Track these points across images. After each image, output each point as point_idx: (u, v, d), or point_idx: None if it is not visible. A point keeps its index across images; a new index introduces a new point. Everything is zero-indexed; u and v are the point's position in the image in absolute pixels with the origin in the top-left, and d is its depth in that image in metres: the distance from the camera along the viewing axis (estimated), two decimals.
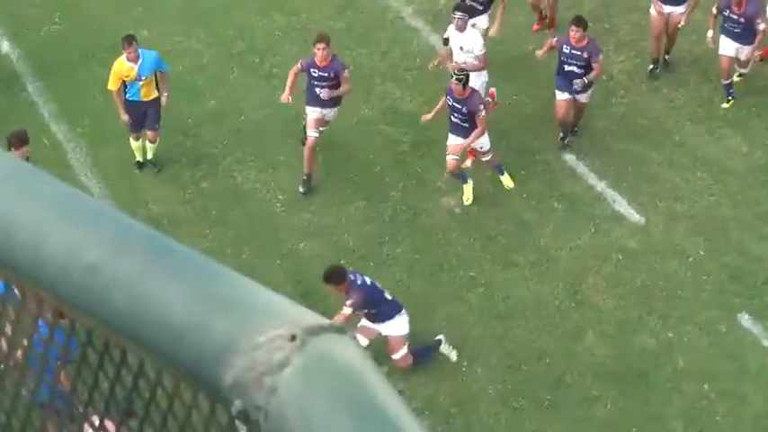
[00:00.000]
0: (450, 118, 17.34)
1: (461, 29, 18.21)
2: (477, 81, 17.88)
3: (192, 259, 1.68)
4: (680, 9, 19.52)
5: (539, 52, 18.67)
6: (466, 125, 17.14)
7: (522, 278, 16.53)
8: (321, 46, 17.65)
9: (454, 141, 17.40)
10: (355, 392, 1.51)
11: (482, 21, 19.28)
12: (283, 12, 21.89)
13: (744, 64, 19.42)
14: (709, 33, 19.12)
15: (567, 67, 18.07)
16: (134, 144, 18.10)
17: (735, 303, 16.23)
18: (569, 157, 18.47)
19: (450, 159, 17.38)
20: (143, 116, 17.83)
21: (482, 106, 17.17)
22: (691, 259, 16.82)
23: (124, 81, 17.63)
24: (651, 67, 19.99)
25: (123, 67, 17.59)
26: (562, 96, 18.27)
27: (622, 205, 17.68)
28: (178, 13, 21.82)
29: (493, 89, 18.72)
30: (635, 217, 17.46)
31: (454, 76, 17.05)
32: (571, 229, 17.30)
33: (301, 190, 17.76)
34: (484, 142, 17.52)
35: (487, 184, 17.96)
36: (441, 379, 15.29)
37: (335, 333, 1.55)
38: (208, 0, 22.20)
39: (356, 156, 18.53)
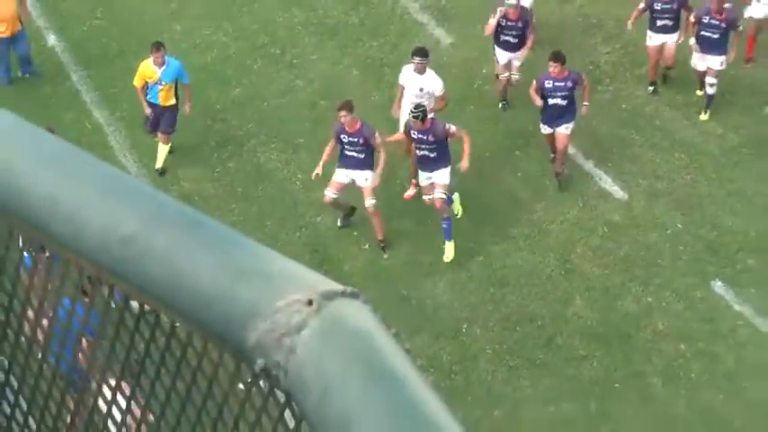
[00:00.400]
0: (417, 154, 16.26)
1: (421, 72, 17.17)
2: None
3: (219, 232, 1.68)
4: (673, 37, 18.78)
5: (532, 92, 17.33)
6: (434, 155, 16.01)
7: (517, 249, 16.52)
8: (342, 114, 16.23)
9: (427, 179, 16.29)
10: (367, 352, 1.50)
11: (517, 57, 18.61)
12: (302, 8, 21.83)
13: (713, 74, 18.50)
14: (692, 40, 18.55)
15: (551, 101, 17.07)
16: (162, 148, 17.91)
17: (709, 271, 16.21)
18: None
19: (438, 197, 16.16)
20: (158, 119, 17.59)
21: (448, 124, 16.08)
22: (669, 232, 16.80)
23: (147, 82, 17.40)
24: (650, 88, 19.25)
25: (148, 68, 17.36)
26: (547, 131, 17.41)
27: (608, 183, 17.65)
28: (207, 9, 21.77)
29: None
30: (619, 194, 17.43)
31: (411, 114, 15.92)
32: (561, 204, 17.28)
33: (339, 224, 16.92)
34: (445, 178, 16.17)
35: (486, 165, 17.92)
36: (443, 339, 15.30)
37: (349, 298, 1.55)
38: None
39: None
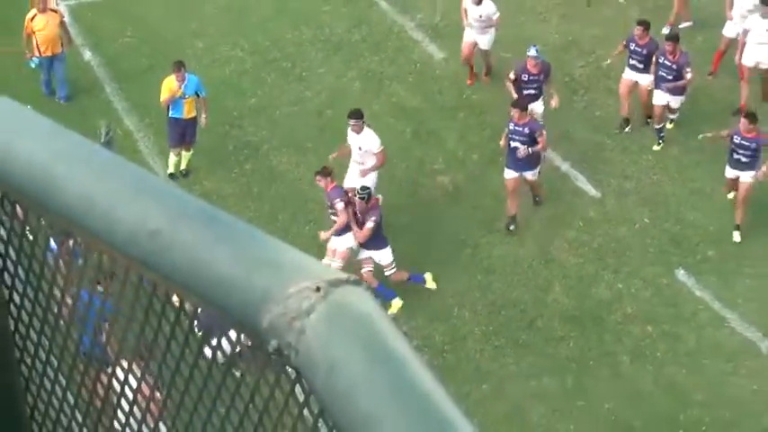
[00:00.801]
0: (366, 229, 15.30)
1: (358, 132, 16.30)
2: (369, 180, 16.04)
3: (237, 226, 1.68)
4: (647, 77, 18.05)
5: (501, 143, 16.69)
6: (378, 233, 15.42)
7: (502, 241, 16.52)
8: (317, 178, 15.53)
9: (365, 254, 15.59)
10: (368, 333, 1.50)
11: (538, 106, 17.72)
12: (310, 26, 21.83)
13: (674, 111, 18.11)
14: (650, 78, 17.98)
15: (512, 143, 16.17)
16: (172, 159, 17.58)
17: (673, 261, 16.22)
18: None
19: (365, 272, 15.28)
20: (183, 132, 17.39)
21: (374, 215, 15.27)
22: (637, 226, 16.80)
23: (172, 97, 17.20)
24: (619, 126, 18.42)
25: (173, 84, 17.21)
26: (510, 175, 16.42)
27: (582, 182, 17.64)
28: (226, 28, 21.77)
29: (379, 196, 16.29)
30: (593, 192, 17.43)
31: (358, 195, 15.21)
32: (542, 201, 17.26)
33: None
34: (384, 256, 15.53)
35: (474, 166, 17.92)
36: (436, 322, 15.30)
37: (353, 285, 1.55)
38: (249, 17, 22.15)
39: None
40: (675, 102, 17.89)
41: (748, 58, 18.51)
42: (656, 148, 18.04)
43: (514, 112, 16.25)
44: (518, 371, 14.65)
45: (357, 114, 16.39)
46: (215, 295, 1.59)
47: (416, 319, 15.23)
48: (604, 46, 20.91)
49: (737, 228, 16.35)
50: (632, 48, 17.97)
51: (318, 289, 1.52)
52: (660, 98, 17.84)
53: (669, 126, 18.27)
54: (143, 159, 17.69)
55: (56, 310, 2.07)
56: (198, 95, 17.28)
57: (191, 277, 1.61)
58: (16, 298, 2.14)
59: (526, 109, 16.41)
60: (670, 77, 17.56)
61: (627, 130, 18.35)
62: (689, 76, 17.56)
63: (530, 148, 16.04)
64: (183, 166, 17.68)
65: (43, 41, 18.72)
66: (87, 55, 20.76)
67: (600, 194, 17.31)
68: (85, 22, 21.81)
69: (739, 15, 19.31)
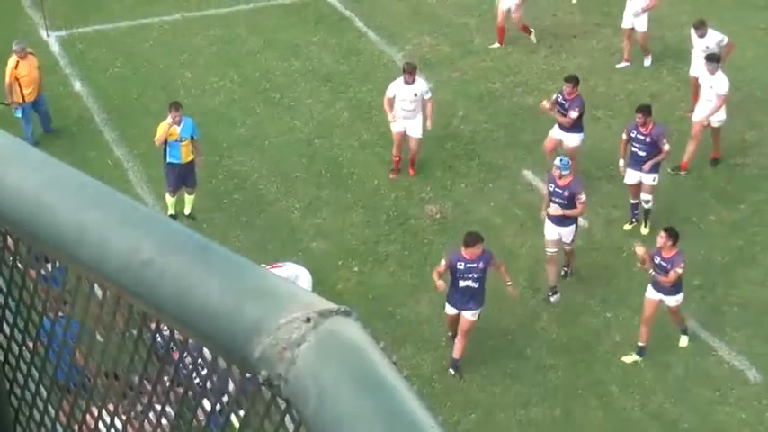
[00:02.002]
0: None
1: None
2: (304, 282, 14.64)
3: (227, 256, 1.68)
4: (573, 136, 17.52)
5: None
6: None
7: (490, 271, 16.49)
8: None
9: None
10: (358, 363, 1.50)
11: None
12: (299, 57, 21.92)
13: (647, 189, 16.93)
14: (621, 162, 16.92)
15: (462, 283, 14.56)
16: (169, 200, 17.26)
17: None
18: (527, 173, 18.48)
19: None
20: (183, 177, 17.04)
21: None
22: (624, 254, 16.81)
23: (167, 141, 16.75)
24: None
25: (170, 126, 16.81)
26: (452, 311, 14.91)
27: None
28: (215, 59, 21.84)
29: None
30: (581, 221, 17.42)
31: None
32: (529, 230, 17.28)
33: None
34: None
35: (462, 196, 17.95)
36: (425, 351, 15.26)
37: (343, 315, 1.55)
38: (238, 48, 22.23)
39: (357, 172, 18.52)
40: (648, 179, 16.82)
41: (699, 114, 18.12)
42: (626, 227, 17.25)
43: (465, 250, 14.54)
44: (506, 400, 14.61)
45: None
46: (205, 326, 1.59)
47: (405, 347, 15.20)
48: (592, 76, 21.06)
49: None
50: (559, 100, 17.54)
51: (309, 319, 1.52)
52: (631, 177, 16.93)
53: (645, 230, 17.08)
54: (132, 189, 17.68)
55: (45, 341, 2.07)
56: (193, 138, 16.95)
57: (182, 308, 1.61)
58: (6, 329, 2.14)
59: (475, 242, 14.52)
60: (643, 153, 16.55)
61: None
62: (666, 148, 16.57)
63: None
64: (187, 211, 17.39)
65: (28, 85, 18.63)
66: (77, 85, 20.78)
67: (587, 223, 17.32)
68: (75, 53, 21.85)
69: (695, 56, 19.31)
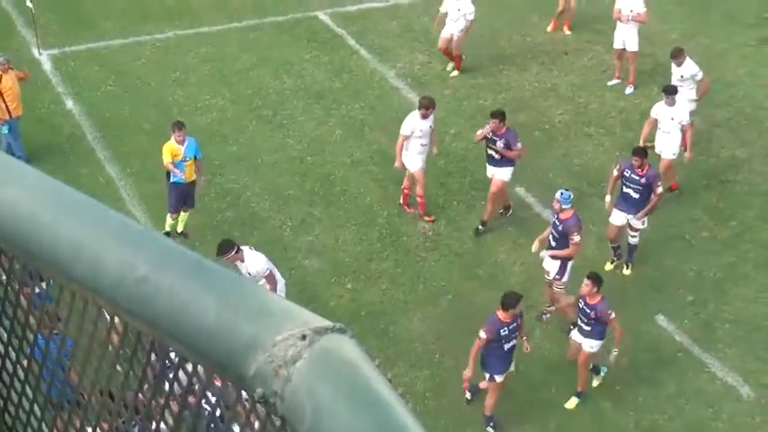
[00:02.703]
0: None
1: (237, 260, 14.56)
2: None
3: (221, 273, 1.68)
4: (502, 171, 17.13)
5: None
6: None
7: (483, 287, 16.51)
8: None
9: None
10: (353, 380, 1.50)
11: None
12: (291, 75, 21.95)
13: (634, 229, 16.56)
14: (607, 198, 16.59)
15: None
16: (169, 221, 17.18)
17: (653, 307, 16.24)
18: (520, 190, 18.49)
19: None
20: (185, 197, 16.99)
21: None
22: (617, 271, 16.83)
23: (173, 162, 16.66)
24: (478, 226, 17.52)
25: (173, 147, 16.65)
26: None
27: None
28: (207, 77, 21.86)
29: None
30: (574, 238, 17.44)
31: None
32: (522, 248, 17.28)
33: None
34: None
35: (456, 213, 17.96)
36: (417, 369, 15.24)
37: (338, 333, 1.56)
38: (231, 66, 22.26)
39: (350, 190, 18.53)
40: (638, 223, 16.51)
41: (658, 146, 17.83)
42: (608, 267, 16.78)
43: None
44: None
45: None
46: (201, 343, 1.59)
47: (398, 365, 15.18)
48: (583, 93, 21.14)
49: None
50: (490, 137, 17.00)
51: (304, 337, 1.52)
52: (619, 218, 16.54)
53: (627, 272, 16.88)
54: (125, 207, 17.65)
55: (39, 359, 2.07)
56: (195, 158, 16.92)
57: (177, 325, 1.61)
58: (0, 347, 2.13)
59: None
60: (637, 195, 16.18)
61: (481, 229, 17.56)
62: (659, 191, 16.26)
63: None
64: (180, 228, 17.35)
65: (12, 100, 18.43)
66: (69, 103, 20.78)
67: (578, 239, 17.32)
68: (68, 71, 21.86)
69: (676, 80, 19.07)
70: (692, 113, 18.32)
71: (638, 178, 16.11)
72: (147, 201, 18.09)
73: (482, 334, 13.67)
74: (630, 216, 16.34)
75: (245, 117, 20.52)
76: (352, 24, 23.98)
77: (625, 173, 16.18)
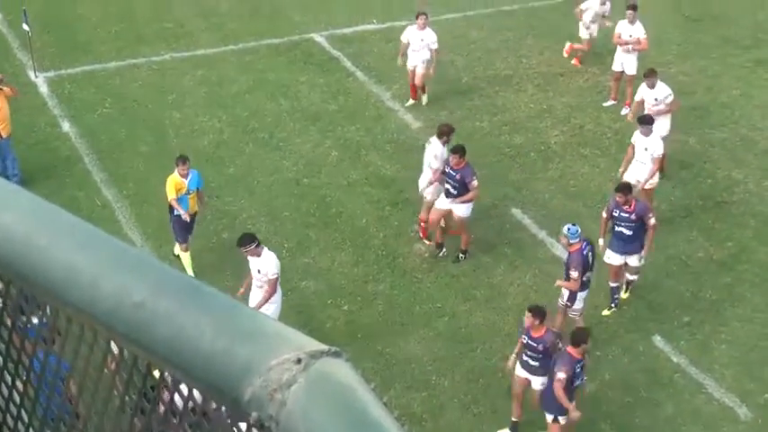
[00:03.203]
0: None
1: (254, 254, 14.98)
2: (270, 308, 14.82)
3: (217, 297, 1.68)
4: (459, 207, 16.81)
5: None
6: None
7: (479, 309, 16.50)
8: None
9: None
10: (348, 403, 1.51)
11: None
12: (287, 97, 21.99)
13: (633, 271, 16.30)
14: (601, 241, 16.10)
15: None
16: (185, 258, 17.00)
17: (650, 328, 16.22)
18: (516, 212, 18.51)
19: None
20: (189, 228, 16.93)
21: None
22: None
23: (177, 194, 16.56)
24: (436, 249, 17.40)
25: (176, 181, 16.53)
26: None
27: (559, 250, 17.67)
28: (203, 99, 21.90)
29: None
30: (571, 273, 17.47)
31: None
32: (518, 269, 17.30)
33: None
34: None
35: (453, 235, 17.96)
36: (414, 391, 15.21)
37: (333, 356, 1.56)
38: (227, 88, 22.30)
39: (346, 211, 18.54)
40: (634, 260, 16.18)
41: (629, 175, 17.57)
42: (605, 312, 16.47)
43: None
44: None
45: (246, 240, 15.06)
46: (197, 368, 1.60)
47: (394, 387, 15.15)
48: (579, 114, 21.20)
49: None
50: (447, 171, 16.73)
51: (299, 361, 1.52)
52: (615, 259, 16.19)
53: (625, 295, 16.67)
54: (121, 230, 17.65)
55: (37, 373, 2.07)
56: (198, 190, 16.86)
57: (173, 350, 1.62)
58: None
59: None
60: (630, 232, 15.75)
61: (441, 254, 17.44)
62: (652, 222, 15.80)
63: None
64: (176, 251, 17.23)
65: (2, 120, 18.36)
66: (66, 126, 20.80)
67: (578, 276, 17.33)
68: (64, 94, 21.89)
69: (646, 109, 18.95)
70: (664, 139, 18.25)
71: (627, 215, 15.71)
72: (144, 223, 18.09)
73: (561, 375, 13.23)
74: (627, 255, 16.01)
75: (242, 139, 20.54)
76: (348, 47, 24.05)
77: (614, 213, 15.80)
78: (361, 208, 18.62)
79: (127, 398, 1.84)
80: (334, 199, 18.86)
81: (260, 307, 14.45)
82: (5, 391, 2.13)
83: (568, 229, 15.13)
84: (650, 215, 15.82)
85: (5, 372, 2.13)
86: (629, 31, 21.11)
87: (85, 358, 1.87)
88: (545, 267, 17.31)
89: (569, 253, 15.11)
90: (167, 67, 23.13)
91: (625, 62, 21.22)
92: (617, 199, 15.72)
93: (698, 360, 15.66)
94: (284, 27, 25.06)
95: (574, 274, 15.00)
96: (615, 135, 20.60)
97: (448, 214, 17.08)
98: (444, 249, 17.45)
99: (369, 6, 26.26)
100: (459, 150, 16.66)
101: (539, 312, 13.72)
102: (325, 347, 1.57)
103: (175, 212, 16.64)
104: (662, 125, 18.64)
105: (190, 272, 16.60)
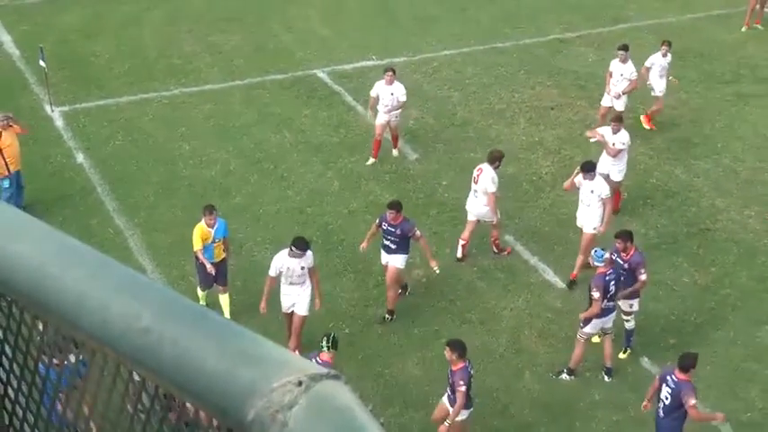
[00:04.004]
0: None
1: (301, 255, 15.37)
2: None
3: (222, 323, 1.69)
4: (396, 258, 16.29)
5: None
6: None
7: (475, 332, 16.46)
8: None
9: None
10: (347, 423, 1.51)
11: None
12: (291, 130, 22.04)
13: (627, 313, 15.75)
14: (596, 294, 15.16)
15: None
16: (201, 294, 16.59)
17: (638, 349, 16.19)
18: (509, 238, 18.50)
19: None
20: (215, 276, 16.22)
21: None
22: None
23: (203, 244, 16.00)
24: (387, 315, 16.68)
25: (203, 231, 15.95)
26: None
27: (550, 275, 17.69)
28: (212, 132, 21.94)
29: None
30: (560, 284, 17.47)
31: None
32: (511, 293, 17.28)
33: None
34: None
35: (447, 261, 17.95)
36: (413, 410, 15.16)
37: (332, 379, 1.56)
38: (234, 121, 22.35)
39: (347, 238, 18.53)
40: (627, 306, 15.74)
41: (579, 219, 17.43)
42: (621, 355, 15.99)
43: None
44: None
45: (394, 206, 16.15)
46: (202, 390, 1.60)
47: (393, 406, 15.10)
48: (569, 146, 21.24)
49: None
50: (385, 227, 16.24)
51: (300, 383, 1.52)
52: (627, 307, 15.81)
53: (623, 356, 16.03)
54: (132, 256, 17.64)
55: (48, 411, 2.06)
56: (224, 238, 16.26)
57: (179, 373, 1.62)
58: (10, 393, 2.13)
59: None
60: (621, 279, 15.24)
61: (388, 318, 16.67)
62: (643, 277, 15.31)
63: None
64: (227, 314, 16.30)
65: (11, 156, 18.32)
66: (80, 157, 20.84)
67: (566, 287, 17.33)
68: (78, 127, 21.95)
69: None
70: (621, 172, 18.14)
71: (622, 263, 15.33)
72: (154, 250, 18.09)
73: (692, 401, 13.01)
74: (621, 301, 15.58)
75: (248, 170, 20.57)
76: (349, 82, 24.12)
77: (610, 255, 15.19)
78: (361, 235, 18.58)
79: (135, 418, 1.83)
80: (336, 227, 18.86)
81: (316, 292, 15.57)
82: (20, 412, 2.13)
83: (595, 251, 15.05)
84: (642, 270, 15.31)
85: (20, 393, 2.13)
86: (621, 70, 21.16)
87: (96, 381, 1.87)
88: (537, 291, 17.31)
89: (594, 277, 14.96)
90: (177, 102, 23.19)
91: (615, 99, 21.29)
92: (616, 245, 15.38)
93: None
94: (288, 63, 25.15)
95: (594, 294, 14.80)
96: None
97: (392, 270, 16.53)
98: (409, 289, 17.20)
99: (368, 43, 26.37)
100: (395, 206, 16.14)
101: (455, 346, 13.36)
102: (324, 371, 1.57)
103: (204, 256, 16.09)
104: (620, 163, 18.59)
105: (227, 314, 16.12)
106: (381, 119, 20.53)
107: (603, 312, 15.04)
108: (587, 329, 15.27)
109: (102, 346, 1.74)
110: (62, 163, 20.66)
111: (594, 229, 17.20)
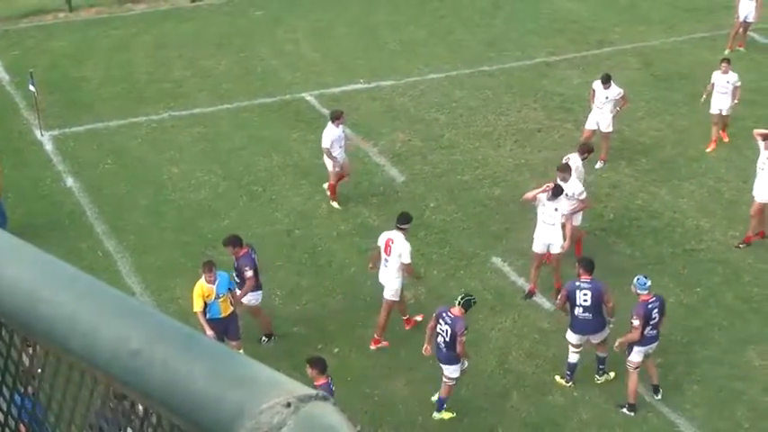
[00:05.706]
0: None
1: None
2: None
3: (211, 345, 1.69)
4: (247, 297, 16.02)
5: None
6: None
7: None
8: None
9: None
10: None
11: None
12: (279, 153, 22.06)
13: (602, 348, 15.63)
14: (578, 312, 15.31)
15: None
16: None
17: (624, 369, 16.17)
18: (496, 260, 18.52)
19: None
20: (224, 331, 15.60)
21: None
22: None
23: (206, 303, 15.37)
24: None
25: (204, 288, 15.31)
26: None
27: (537, 296, 17.69)
28: (200, 155, 21.94)
29: None
30: (547, 305, 17.48)
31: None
32: (499, 314, 17.28)
33: None
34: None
35: (435, 282, 17.95)
36: (402, 430, 15.12)
37: (321, 401, 1.56)
38: (223, 145, 22.36)
39: (336, 260, 18.53)
40: (597, 339, 15.59)
41: (543, 239, 17.34)
42: (598, 379, 15.95)
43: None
44: None
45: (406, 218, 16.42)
46: (191, 411, 1.59)
47: (383, 427, 15.07)
48: (554, 168, 21.22)
49: None
50: (236, 266, 16.03)
51: (289, 404, 1.52)
52: (573, 338, 15.64)
53: (599, 380, 15.99)
54: (122, 279, 17.60)
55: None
56: (230, 290, 15.64)
57: (168, 395, 1.61)
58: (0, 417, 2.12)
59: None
60: (588, 304, 15.19)
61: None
62: (636, 323, 14.75)
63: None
64: None
65: None
66: (69, 181, 20.81)
67: (553, 308, 17.33)
68: (68, 151, 21.93)
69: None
70: (582, 194, 17.89)
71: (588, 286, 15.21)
72: (143, 272, 18.05)
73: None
74: (590, 336, 15.47)
75: (236, 192, 20.56)
76: (337, 105, 24.16)
77: (576, 284, 15.20)
78: (349, 258, 18.62)
79: None
80: (325, 249, 18.86)
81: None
82: None
83: (638, 279, 14.92)
84: (634, 318, 14.78)
85: (9, 416, 2.12)
86: (606, 93, 21.21)
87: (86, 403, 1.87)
88: (524, 312, 17.31)
89: (638, 303, 14.80)
90: (166, 125, 23.20)
91: (600, 121, 21.34)
92: (578, 273, 15.29)
93: (670, 400, 15.62)
94: (276, 87, 25.20)
95: (634, 322, 14.66)
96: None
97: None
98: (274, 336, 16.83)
99: (356, 67, 26.44)
100: (232, 241, 16.10)
101: (315, 363, 13.22)
102: (313, 392, 1.57)
103: (207, 316, 15.36)
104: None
105: None
106: (341, 159, 19.86)
107: (647, 340, 14.89)
108: (633, 358, 15.09)
109: (93, 368, 1.73)
110: (51, 187, 20.63)
111: (561, 247, 17.21)
